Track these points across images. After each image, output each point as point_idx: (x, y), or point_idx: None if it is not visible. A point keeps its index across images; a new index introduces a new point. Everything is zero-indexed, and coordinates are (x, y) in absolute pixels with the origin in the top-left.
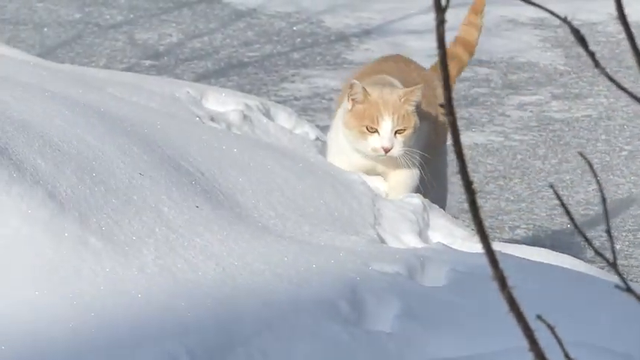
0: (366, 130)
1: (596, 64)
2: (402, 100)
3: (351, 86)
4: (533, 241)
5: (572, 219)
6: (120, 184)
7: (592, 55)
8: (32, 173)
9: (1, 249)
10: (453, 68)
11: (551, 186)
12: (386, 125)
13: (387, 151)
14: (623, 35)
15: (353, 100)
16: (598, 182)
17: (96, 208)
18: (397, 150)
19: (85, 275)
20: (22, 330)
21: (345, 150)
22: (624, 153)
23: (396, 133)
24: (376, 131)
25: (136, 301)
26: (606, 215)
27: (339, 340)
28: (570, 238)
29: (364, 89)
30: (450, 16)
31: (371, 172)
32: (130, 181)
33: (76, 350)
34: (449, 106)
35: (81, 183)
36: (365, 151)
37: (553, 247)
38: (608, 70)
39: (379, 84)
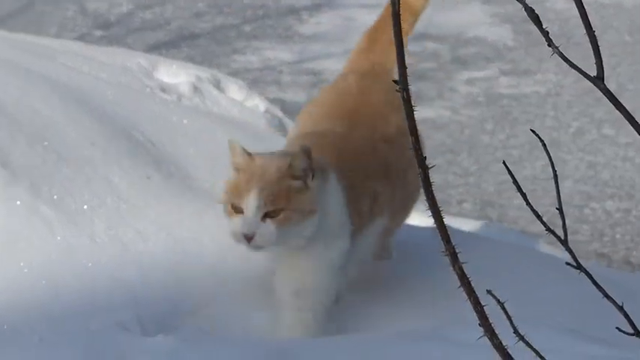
0: (231, 210)
1: (549, 42)
2: (283, 169)
3: (231, 148)
4: (481, 216)
5: (522, 194)
6: (71, 153)
7: (546, 33)
8: None
9: None
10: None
11: (504, 162)
12: (250, 204)
13: (248, 239)
14: (572, 12)
15: (234, 166)
16: (550, 158)
17: (48, 176)
18: (263, 239)
19: (36, 244)
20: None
21: None
22: (572, 129)
23: (266, 216)
24: (242, 211)
25: (87, 270)
26: (558, 192)
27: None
28: (517, 212)
29: (245, 152)
30: None
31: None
32: (81, 150)
33: (27, 318)
34: (403, 81)
35: (33, 152)
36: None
37: (500, 221)
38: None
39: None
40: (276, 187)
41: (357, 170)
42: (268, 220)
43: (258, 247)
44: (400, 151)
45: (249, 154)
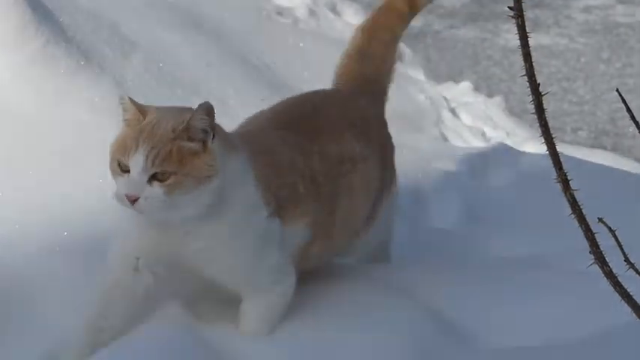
0: (117, 168)
1: None
2: (178, 129)
3: (121, 104)
4: (595, 144)
5: (636, 123)
6: (186, 74)
7: None
8: (99, 62)
9: (69, 136)
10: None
11: (617, 90)
12: (135, 162)
13: (132, 200)
14: None
15: (125, 121)
16: None
17: (162, 98)
18: (150, 203)
19: None
20: (90, 216)
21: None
22: None
23: (153, 178)
24: (128, 171)
25: None
26: None
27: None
28: (631, 141)
29: (137, 106)
30: None
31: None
32: (196, 72)
33: None
34: (518, 7)
35: (147, 73)
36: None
37: (614, 150)
38: None
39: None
40: (167, 147)
41: (277, 161)
42: (155, 184)
43: (142, 211)
44: (337, 174)
45: (142, 109)
